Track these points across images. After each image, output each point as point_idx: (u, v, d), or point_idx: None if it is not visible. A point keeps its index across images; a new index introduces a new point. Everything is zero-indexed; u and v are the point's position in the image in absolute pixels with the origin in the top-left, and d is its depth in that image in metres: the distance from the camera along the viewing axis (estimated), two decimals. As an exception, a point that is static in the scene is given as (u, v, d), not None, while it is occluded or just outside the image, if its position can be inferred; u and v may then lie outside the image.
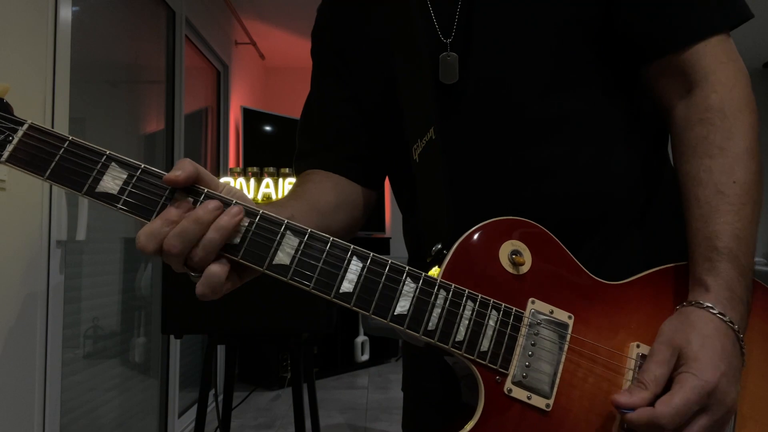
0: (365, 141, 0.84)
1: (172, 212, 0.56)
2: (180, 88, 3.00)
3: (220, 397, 2.49)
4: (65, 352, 1.91)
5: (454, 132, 0.73)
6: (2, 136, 0.55)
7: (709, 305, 0.59)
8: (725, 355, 0.56)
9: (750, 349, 0.62)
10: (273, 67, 5.09)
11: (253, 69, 4.75)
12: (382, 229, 4.77)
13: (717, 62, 0.65)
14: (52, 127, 1.89)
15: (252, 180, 3.66)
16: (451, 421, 0.61)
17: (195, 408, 2.68)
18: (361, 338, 4.25)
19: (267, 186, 3.70)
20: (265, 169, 3.73)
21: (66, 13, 1.85)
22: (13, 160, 0.55)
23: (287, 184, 3.75)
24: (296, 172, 0.87)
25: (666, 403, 0.54)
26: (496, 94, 0.71)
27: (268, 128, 4.45)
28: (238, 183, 3.62)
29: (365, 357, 4.28)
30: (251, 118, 4.28)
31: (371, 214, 0.91)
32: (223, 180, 3.45)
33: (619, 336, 0.63)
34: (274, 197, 3.21)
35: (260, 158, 3.98)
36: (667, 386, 0.56)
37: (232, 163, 4.09)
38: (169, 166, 2.94)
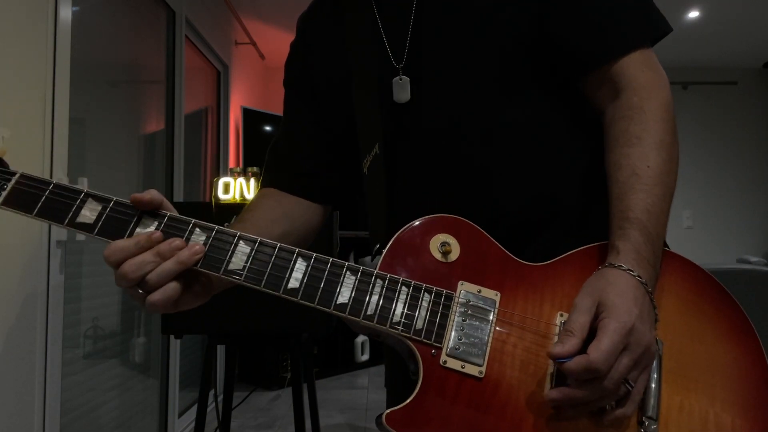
0: (325, 161, 0.93)
1: (140, 235, 0.65)
2: (180, 88, 3.00)
3: (220, 397, 2.49)
4: (65, 352, 1.91)
5: (407, 147, 0.82)
6: None
7: (620, 264, 0.66)
8: (638, 302, 0.64)
9: (669, 312, 0.70)
10: (273, 67, 5.09)
11: (253, 69, 4.74)
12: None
13: (639, 71, 0.75)
14: (52, 128, 1.88)
15: (252, 180, 3.66)
16: (403, 395, 0.66)
17: (195, 408, 2.68)
18: (361, 338, 4.24)
19: (267, 186, 3.70)
20: (265, 169, 3.73)
21: (66, 13, 1.85)
22: (6, 203, 0.66)
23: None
24: (260, 187, 0.98)
25: (596, 348, 0.60)
26: (445, 111, 0.80)
27: (268, 128, 4.44)
28: (238, 183, 3.61)
29: (365, 357, 4.28)
30: (251, 118, 4.28)
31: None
32: (223, 180, 3.46)
33: (545, 308, 0.70)
34: (274, 197, 3.21)
35: (260, 158, 3.95)
36: (591, 335, 0.62)
37: (232, 163, 4.09)
38: (169, 166, 2.94)
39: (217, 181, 3.59)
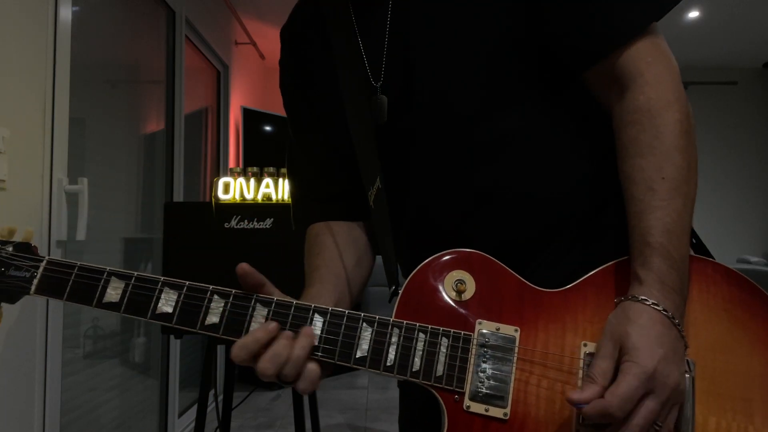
0: (350, 178, 0.85)
1: (259, 332, 0.66)
2: (180, 88, 3.00)
3: (220, 397, 2.49)
4: (65, 352, 1.90)
5: (399, 169, 0.77)
6: (28, 273, 0.69)
7: (644, 298, 0.62)
8: (662, 340, 0.60)
9: (698, 326, 0.66)
10: (273, 67, 5.07)
11: (253, 69, 4.75)
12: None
13: (643, 63, 0.67)
14: (52, 128, 1.88)
15: (252, 180, 3.66)
16: (418, 397, 0.67)
17: (195, 408, 2.68)
18: (361, 338, 4.24)
19: (267, 186, 3.70)
20: (265, 169, 3.72)
21: (66, 13, 1.85)
22: (39, 290, 0.68)
23: (287, 184, 3.73)
24: (299, 218, 0.92)
25: (613, 392, 0.58)
26: (430, 130, 0.74)
27: (268, 128, 4.45)
28: (238, 183, 3.61)
29: (365, 357, 4.27)
30: (251, 118, 4.28)
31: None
32: (223, 180, 3.46)
33: (567, 338, 0.67)
34: (274, 197, 3.20)
35: (260, 158, 3.97)
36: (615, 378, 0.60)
37: (232, 163, 4.09)
38: (169, 166, 2.93)
39: (217, 181, 3.58)
